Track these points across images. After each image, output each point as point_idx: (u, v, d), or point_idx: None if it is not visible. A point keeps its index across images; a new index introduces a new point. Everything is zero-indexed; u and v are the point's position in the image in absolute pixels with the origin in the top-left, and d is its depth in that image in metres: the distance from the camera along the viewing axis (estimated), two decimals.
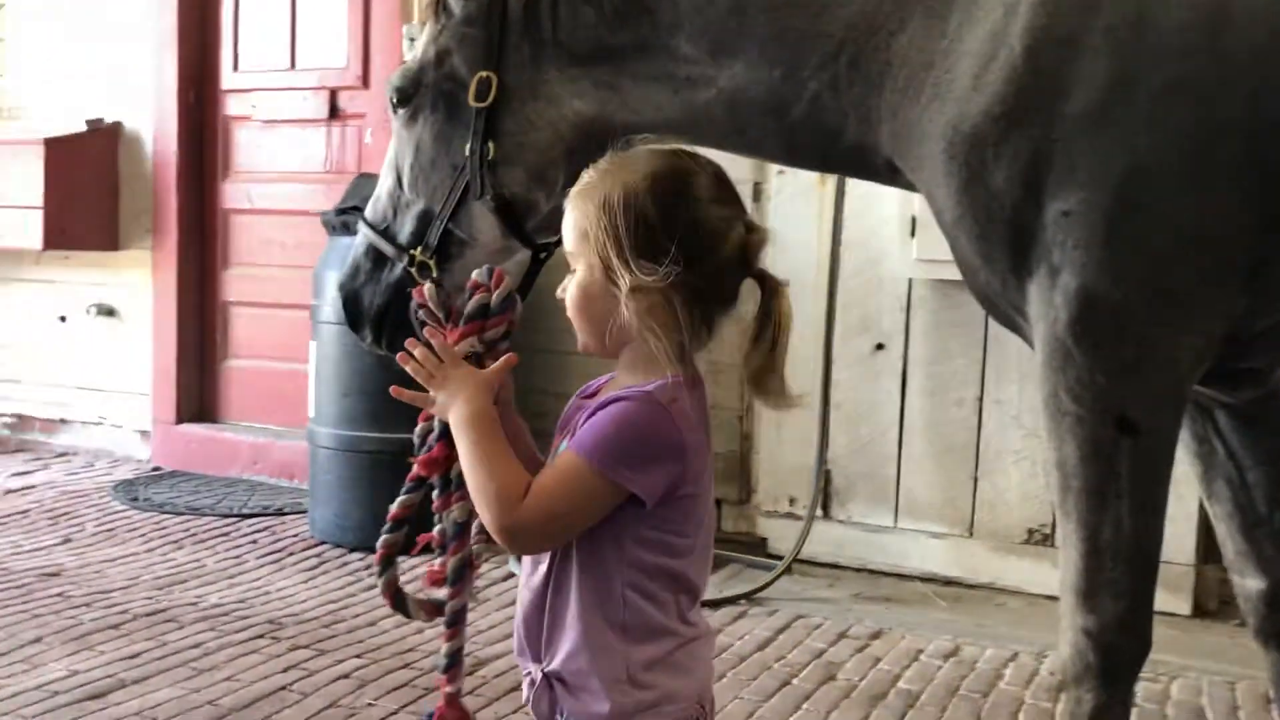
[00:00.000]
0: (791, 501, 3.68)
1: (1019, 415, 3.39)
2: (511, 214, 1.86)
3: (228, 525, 3.92)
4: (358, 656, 2.78)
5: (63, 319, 4.99)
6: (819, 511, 3.58)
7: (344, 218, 3.64)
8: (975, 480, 3.47)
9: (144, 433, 4.85)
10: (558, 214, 1.77)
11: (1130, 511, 1.50)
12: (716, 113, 1.78)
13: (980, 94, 1.51)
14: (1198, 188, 1.42)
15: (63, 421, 5.03)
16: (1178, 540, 3.13)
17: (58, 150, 4.60)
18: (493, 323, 1.38)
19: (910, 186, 1.72)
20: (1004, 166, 1.50)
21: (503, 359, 1.35)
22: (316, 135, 4.55)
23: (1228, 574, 1.88)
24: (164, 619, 2.99)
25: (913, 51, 1.58)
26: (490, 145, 1.82)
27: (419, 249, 1.90)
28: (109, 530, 3.82)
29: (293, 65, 4.59)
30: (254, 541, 3.75)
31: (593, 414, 1.25)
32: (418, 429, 1.39)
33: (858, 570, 3.58)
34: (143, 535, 3.77)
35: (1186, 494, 3.10)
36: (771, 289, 1.27)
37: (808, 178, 3.62)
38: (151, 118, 4.73)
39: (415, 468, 1.40)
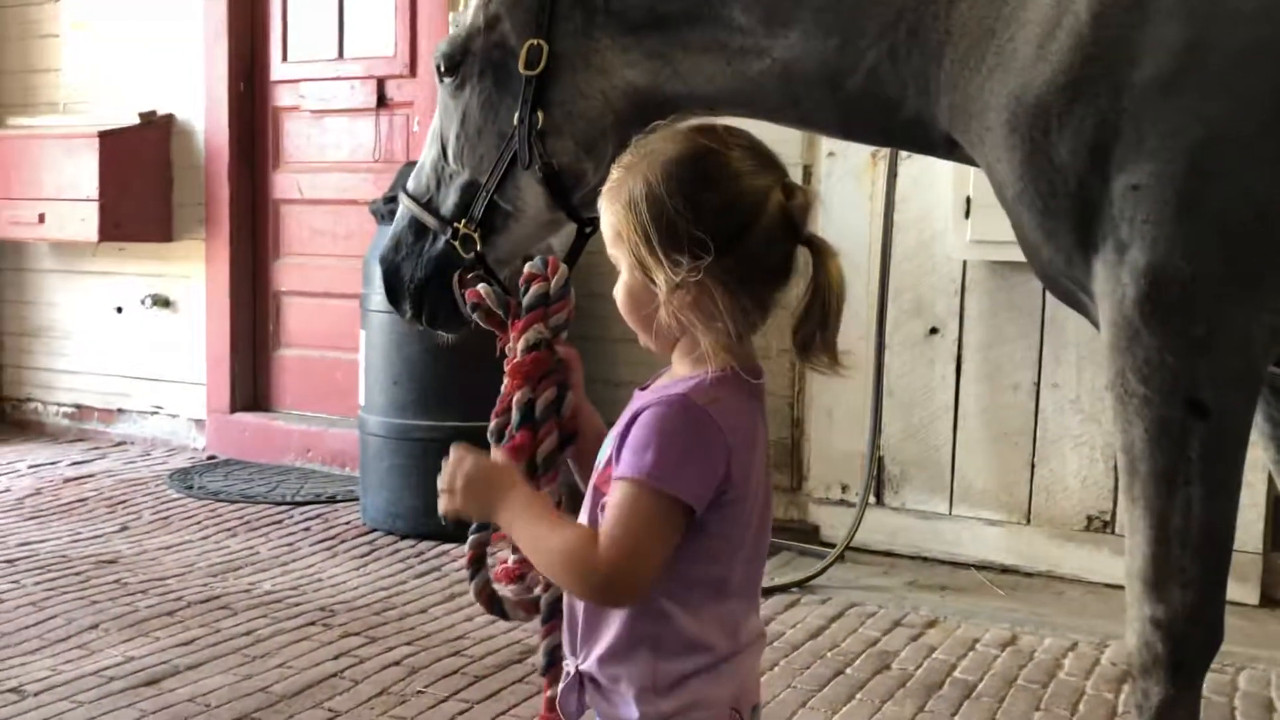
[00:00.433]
0: (844, 488, 3.64)
1: (1078, 399, 3.32)
2: (559, 185, 1.83)
3: (281, 513, 3.95)
4: (408, 644, 2.78)
5: (119, 310, 5.06)
6: (872, 498, 3.54)
7: (392, 206, 3.63)
8: (1032, 466, 3.39)
9: (199, 422, 4.91)
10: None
11: (1200, 497, 1.44)
12: (770, 84, 1.73)
13: (1044, 63, 1.45)
14: (1275, 158, 1.35)
15: (120, 411, 5.11)
16: (1246, 527, 3.03)
17: (112, 143, 4.66)
18: (555, 309, 1.37)
19: (969, 161, 1.67)
20: (1069, 139, 1.44)
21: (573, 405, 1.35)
22: (365, 124, 4.57)
23: None
24: (218, 606, 3.01)
25: (973, 20, 1.53)
26: (539, 114, 1.79)
27: (463, 221, 1.87)
28: (165, 518, 3.86)
29: (340, 55, 4.61)
30: (306, 529, 3.78)
31: (629, 425, 1.20)
32: (493, 425, 1.38)
33: (912, 558, 3.52)
34: (198, 523, 3.81)
35: (1254, 480, 3.03)
36: (820, 254, 1.21)
37: (858, 159, 3.56)
38: (203, 109, 4.77)
39: (502, 455, 1.38)
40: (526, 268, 1.39)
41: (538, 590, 1.38)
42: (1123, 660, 1.54)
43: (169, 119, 4.85)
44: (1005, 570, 3.41)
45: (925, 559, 3.51)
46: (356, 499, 3.94)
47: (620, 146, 1.83)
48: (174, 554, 3.47)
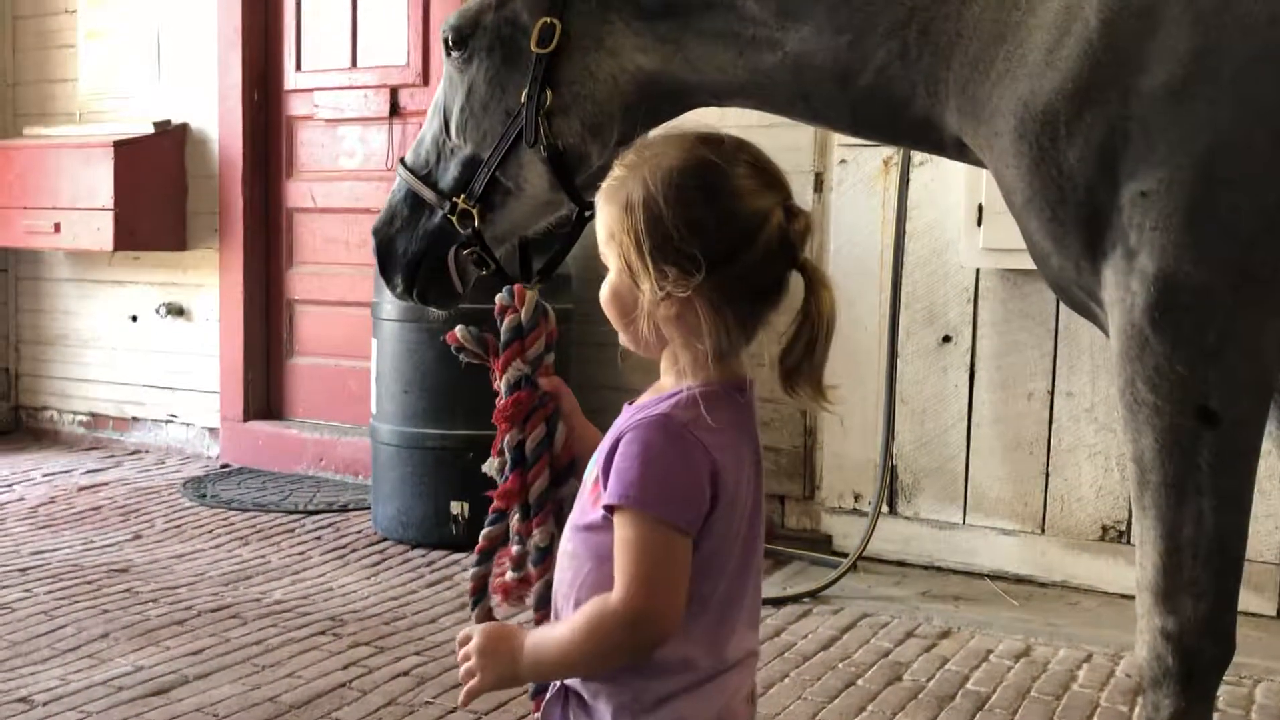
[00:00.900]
0: (856, 497, 3.61)
1: (1092, 408, 3.29)
2: (563, 165, 1.81)
3: (292, 521, 3.95)
4: (417, 654, 2.77)
5: (134, 319, 5.08)
6: (885, 508, 3.51)
7: None
8: (1046, 475, 3.37)
9: (213, 430, 4.92)
10: (607, 171, 1.74)
11: (1212, 507, 1.42)
12: (781, 77, 1.72)
13: (1053, 70, 1.44)
14: None
15: (134, 420, 5.13)
16: (1260, 538, 3.01)
17: (127, 152, 4.68)
18: (530, 340, 1.38)
19: (980, 163, 1.65)
20: (1077, 146, 1.42)
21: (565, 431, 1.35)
22: (378, 133, 4.58)
23: None
24: (228, 615, 3.01)
25: (984, 22, 1.51)
26: (548, 93, 1.78)
27: (462, 196, 1.86)
28: (177, 526, 3.87)
29: (354, 64, 4.62)
30: (318, 538, 3.78)
31: (615, 445, 1.17)
32: (494, 463, 1.39)
33: (925, 568, 3.50)
34: (210, 531, 3.82)
35: (1270, 489, 3.00)
36: (813, 283, 1.18)
37: (870, 167, 3.55)
38: (217, 119, 4.79)
39: (495, 500, 1.39)
40: (497, 299, 1.40)
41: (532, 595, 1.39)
42: (1136, 672, 1.51)
43: (183, 128, 4.88)
44: (1019, 580, 3.38)
45: (939, 569, 3.48)
46: (368, 508, 3.94)
47: (626, 132, 1.83)
48: (186, 563, 3.47)
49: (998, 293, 3.39)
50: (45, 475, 4.56)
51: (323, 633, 2.90)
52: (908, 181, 3.45)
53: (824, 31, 1.65)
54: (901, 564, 3.52)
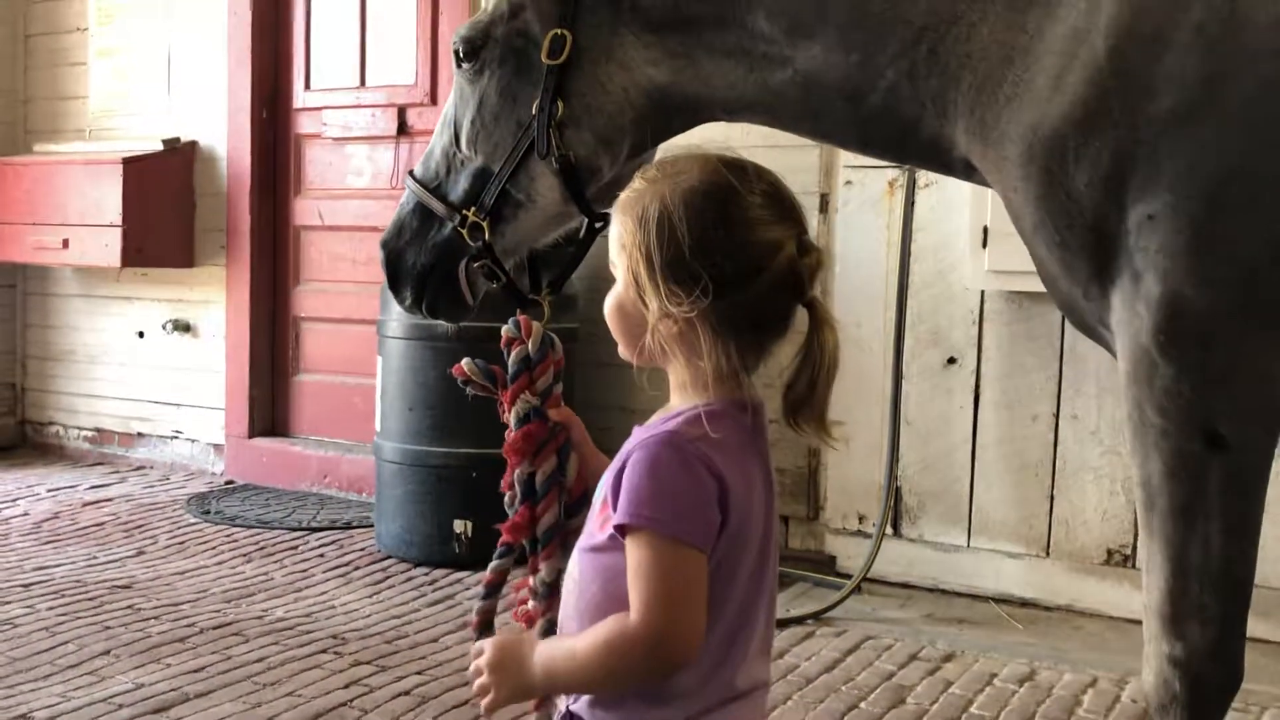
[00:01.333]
0: (861, 519, 3.60)
1: (1097, 431, 3.28)
2: (574, 177, 1.81)
3: (296, 539, 3.94)
4: (419, 674, 2.76)
5: (141, 335, 5.10)
6: (889, 529, 3.50)
7: None
8: (1051, 498, 3.35)
9: (217, 446, 4.92)
10: (617, 183, 1.74)
11: (1220, 532, 1.41)
12: (791, 94, 1.72)
13: (1061, 95, 1.44)
14: None
15: (140, 435, 5.13)
16: (1272, 562, 2.98)
17: (135, 169, 4.70)
18: (538, 372, 1.38)
19: (987, 184, 1.65)
20: (1085, 170, 1.42)
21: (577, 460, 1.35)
22: (385, 152, 4.60)
23: None
24: (230, 632, 3.01)
25: (993, 45, 1.52)
26: (559, 104, 1.78)
27: (472, 209, 1.86)
28: (181, 543, 3.87)
29: (362, 83, 4.64)
30: (321, 555, 3.77)
31: (624, 466, 1.17)
32: (507, 496, 1.38)
33: (929, 590, 3.48)
34: (213, 548, 3.82)
35: (1278, 513, 2.98)
36: (817, 321, 1.18)
37: (876, 188, 3.55)
38: (226, 136, 4.82)
39: (503, 534, 1.39)
40: (504, 331, 1.39)
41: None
42: (1142, 698, 1.50)
43: (192, 146, 4.90)
44: (1024, 604, 3.37)
45: (943, 591, 3.47)
46: (371, 525, 3.94)
47: (637, 144, 1.84)
48: (188, 579, 3.47)
49: (1003, 315, 3.39)
50: (50, 490, 4.56)
51: (324, 651, 2.89)
52: (913, 203, 3.45)
53: (834, 50, 1.65)
54: (906, 586, 3.51)
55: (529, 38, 1.83)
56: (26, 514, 4.18)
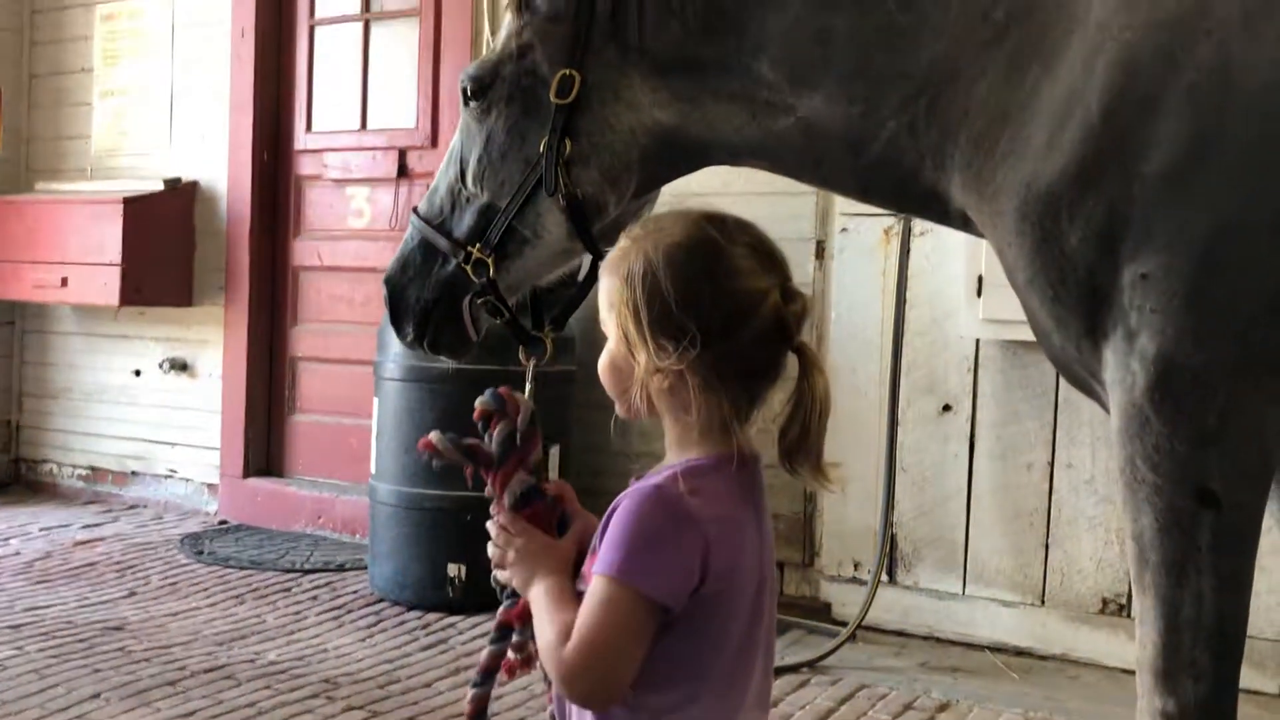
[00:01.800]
0: (856, 565, 3.60)
1: (1092, 480, 3.29)
2: (581, 214, 1.83)
3: (289, 580, 3.93)
4: (410, 719, 2.74)
5: (137, 373, 5.10)
6: (884, 576, 3.49)
7: None
8: (1047, 547, 3.35)
9: (212, 486, 4.91)
10: (621, 222, 1.75)
11: (1212, 588, 1.42)
12: (793, 141, 1.74)
13: (1055, 153, 1.46)
14: None
15: (134, 474, 5.12)
16: (1264, 614, 2.98)
17: (136, 209, 4.73)
18: (529, 447, 1.33)
19: (984, 236, 1.67)
20: (1079, 228, 1.44)
21: (575, 527, 1.32)
22: (386, 194, 4.63)
23: None
24: (221, 676, 2.99)
25: (991, 102, 1.54)
26: (568, 143, 1.80)
27: (477, 245, 1.86)
28: (173, 584, 3.85)
29: (363, 126, 4.69)
30: (314, 597, 3.75)
31: (609, 520, 1.19)
32: (494, 575, 1.34)
33: (925, 638, 3.47)
34: (206, 589, 3.80)
35: (1272, 565, 2.98)
36: (807, 366, 1.20)
37: (871, 236, 3.58)
38: (227, 177, 4.85)
39: (500, 616, 1.35)
40: (478, 404, 1.33)
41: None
42: None
43: (193, 186, 4.93)
44: (1019, 653, 3.36)
45: (938, 639, 3.46)
46: (365, 567, 3.92)
47: (643, 183, 1.86)
48: (180, 621, 3.45)
49: (997, 363, 3.41)
50: (42, 529, 4.54)
51: (316, 696, 2.88)
52: (908, 251, 3.48)
53: (836, 100, 1.68)
54: (901, 634, 3.49)
55: (537, 77, 1.85)
56: (18, 553, 4.16)
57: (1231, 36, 1.37)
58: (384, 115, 4.65)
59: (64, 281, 4.81)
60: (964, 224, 1.69)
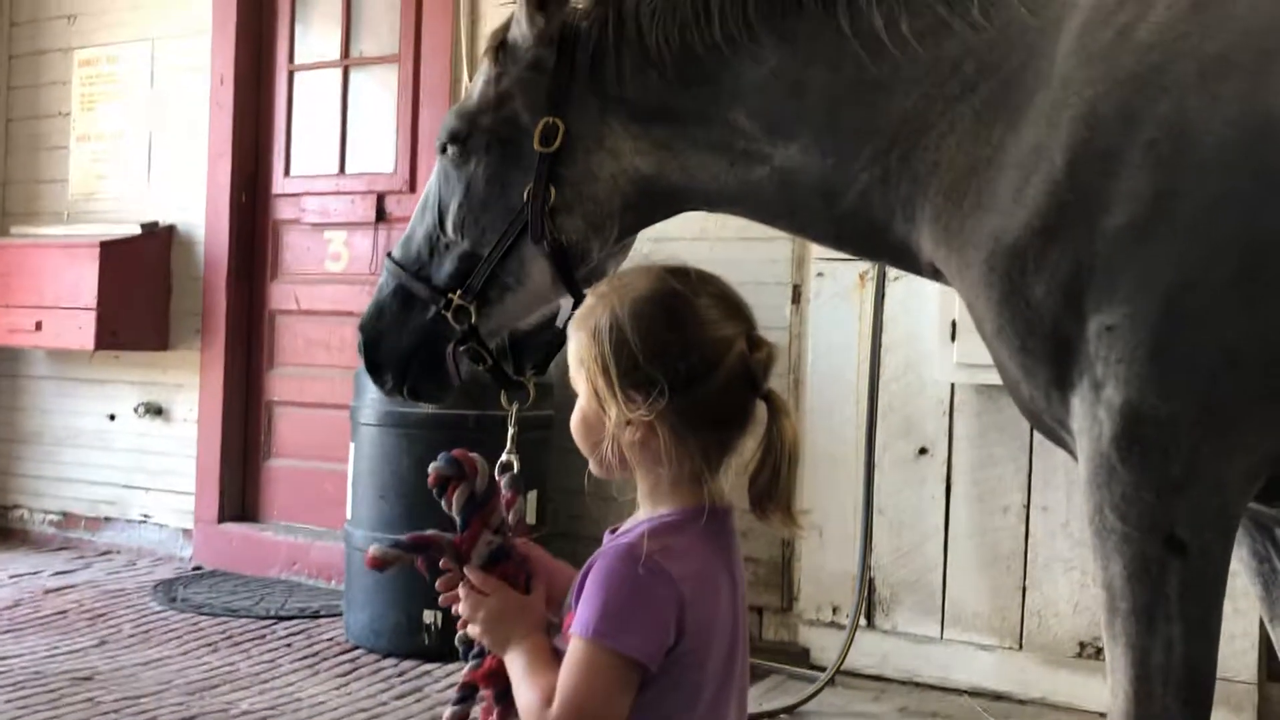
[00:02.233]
0: (835, 610, 3.59)
1: (1067, 523, 3.30)
2: (565, 261, 1.84)
3: (263, 628, 3.88)
4: None
5: (112, 417, 5.06)
6: (863, 621, 3.48)
7: None
8: (1024, 590, 3.36)
9: (186, 531, 4.86)
10: (603, 268, 1.78)
11: (1181, 635, 1.43)
12: (769, 191, 1.77)
13: (1021, 207, 1.49)
14: (1244, 303, 1.38)
15: (107, 519, 5.07)
16: (1239, 656, 2.99)
17: (112, 253, 4.72)
18: (490, 507, 1.31)
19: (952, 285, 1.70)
20: (1044, 280, 1.47)
21: (542, 579, 1.31)
22: (363, 238, 4.64)
23: None
24: None
25: (960, 156, 1.57)
26: (552, 190, 1.81)
27: (459, 292, 1.86)
28: (145, 632, 3.80)
29: (342, 170, 4.70)
30: (288, 645, 3.71)
31: (585, 579, 1.19)
32: (460, 634, 1.33)
33: (903, 683, 3.46)
34: (178, 637, 3.75)
35: (1247, 608, 2.99)
36: (775, 412, 1.21)
37: (847, 281, 3.61)
38: (204, 221, 4.85)
39: (465, 676, 1.33)
40: (432, 469, 1.31)
41: None
42: None
43: (170, 230, 4.93)
44: (998, 697, 3.35)
45: (917, 684, 3.44)
46: (340, 614, 3.88)
47: (625, 230, 1.88)
48: (152, 670, 3.40)
49: (973, 406, 3.43)
50: (11, 577, 4.48)
51: None
52: (883, 296, 3.50)
53: (811, 152, 1.71)
54: (880, 679, 3.48)
55: (518, 126, 1.86)
56: None
57: (1188, 95, 1.41)
58: (362, 160, 4.67)
59: (38, 325, 4.78)
60: (934, 275, 1.72)
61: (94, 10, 5.12)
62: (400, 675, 3.43)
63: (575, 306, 1.86)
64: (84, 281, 4.67)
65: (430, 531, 1.32)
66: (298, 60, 4.83)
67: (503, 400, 1.83)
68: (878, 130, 1.65)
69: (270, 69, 4.86)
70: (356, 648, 3.67)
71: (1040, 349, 1.49)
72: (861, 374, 3.54)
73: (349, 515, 3.77)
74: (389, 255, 1.98)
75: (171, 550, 4.88)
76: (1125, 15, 1.47)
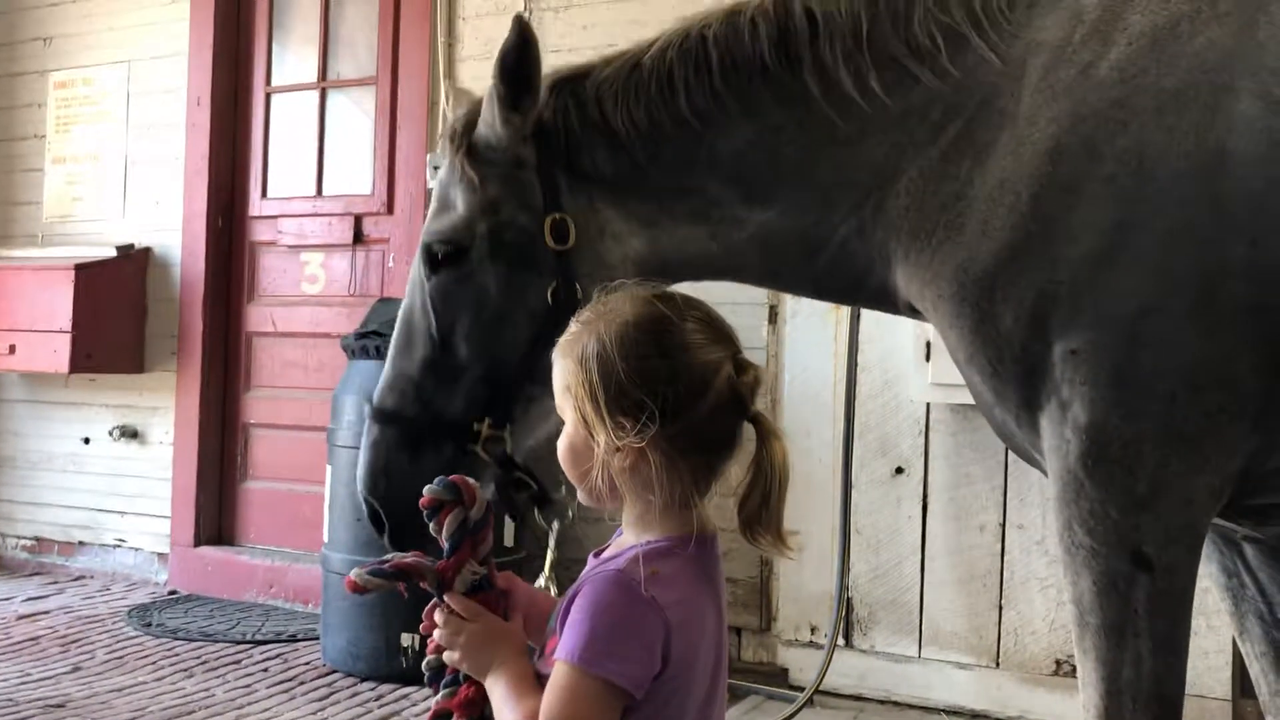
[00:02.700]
0: (813, 629, 3.59)
1: (1043, 540, 3.32)
2: None
3: (239, 652, 3.85)
4: None
5: (86, 441, 5.02)
6: (841, 640, 3.49)
7: (363, 342, 3.68)
8: (1000, 608, 3.37)
9: (162, 555, 4.82)
10: None
11: (1150, 650, 1.45)
12: (751, 256, 1.79)
13: (988, 239, 1.53)
14: (1203, 329, 1.41)
15: (81, 544, 5.02)
16: (1213, 673, 3.01)
17: (87, 275, 4.70)
18: (481, 536, 1.28)
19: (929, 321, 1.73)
20: (1012, 308, 1.51)
21: (515, 620, 1.29)
22: (341, 260, 4.63)
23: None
24: None
25: (928, 194, 1.61)
26: (576, 287, 1.73)
27: (486, 421, 1.71)
28: (119, 658, 3.76)
29: (319, 192, 4.71)
30: (265, 669, 3.68)
31: (571, 602, 1.18)
32: (429, 659, 1.30)
33: (881, 702, 3.46)
34: (153, 663, 3.72)
35: (1219, 625, 3.02)
36: (764, 434, 1.21)
37: (823, 301, 3.63)
38: (181, 243, 4.84)
39: (436, 703, 1.30)
40: (427, 492, 1.28)
41: None
42: None
43: (146, 252, 4.91)
44: (975, 715, 3.36)
45: (895, 703, 3.45)
46: (317, 638, 3.86)
47: None
48: (126, 697, 3.37)
49: (948, 425, 3.45)
50: None
51: None
52: (858, 316, 3.53)
53: (789, 214, 1.74)
54: (858, 698, 3.49)
55: (520, 228, 1.77)
56: None
57: (1147, 129, 1.45)
58: (340, 182, 4.68)
59: (11, 348, 4.75)
60: (911, 312, 1.75)
61: (70, 32, 5.12)
62: (378, 699, 3.41)
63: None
64: (58, 304, 4.65)
65: (411, 557, 1.29)
66: (275, 82, 4.84)
67: (538, 520, 1.72)
68: (853, 184, 1.68)
69: (247, 91, 4.87)
70: (334, 671, 3.64)
71: (1010, 373, 1.53)
72: (838, 394, 3.56)
73: (326, 538, 3.75)
74: (374, 411, 1.76)
75: (146, 574, 4.84)
76: (1087, 54, 1.52)
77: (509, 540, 3.54)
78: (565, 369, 1.24)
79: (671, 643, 1.16)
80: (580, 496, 1.27)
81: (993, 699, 3.36)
